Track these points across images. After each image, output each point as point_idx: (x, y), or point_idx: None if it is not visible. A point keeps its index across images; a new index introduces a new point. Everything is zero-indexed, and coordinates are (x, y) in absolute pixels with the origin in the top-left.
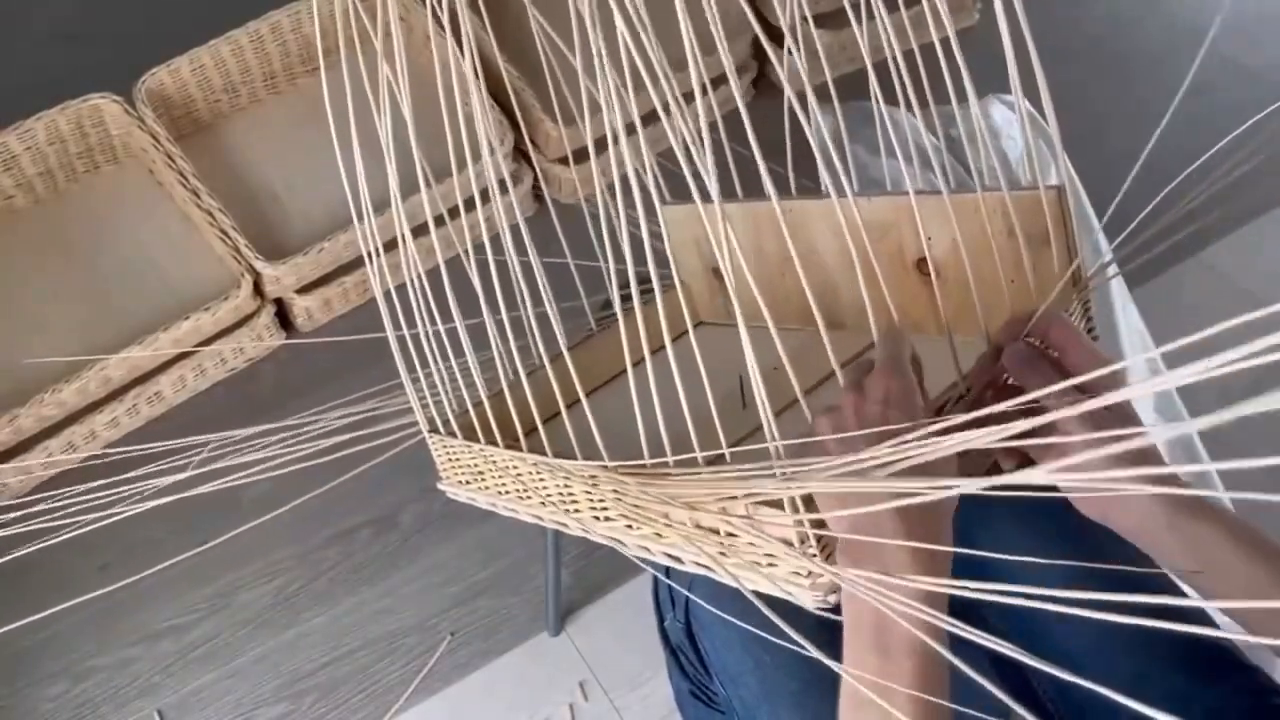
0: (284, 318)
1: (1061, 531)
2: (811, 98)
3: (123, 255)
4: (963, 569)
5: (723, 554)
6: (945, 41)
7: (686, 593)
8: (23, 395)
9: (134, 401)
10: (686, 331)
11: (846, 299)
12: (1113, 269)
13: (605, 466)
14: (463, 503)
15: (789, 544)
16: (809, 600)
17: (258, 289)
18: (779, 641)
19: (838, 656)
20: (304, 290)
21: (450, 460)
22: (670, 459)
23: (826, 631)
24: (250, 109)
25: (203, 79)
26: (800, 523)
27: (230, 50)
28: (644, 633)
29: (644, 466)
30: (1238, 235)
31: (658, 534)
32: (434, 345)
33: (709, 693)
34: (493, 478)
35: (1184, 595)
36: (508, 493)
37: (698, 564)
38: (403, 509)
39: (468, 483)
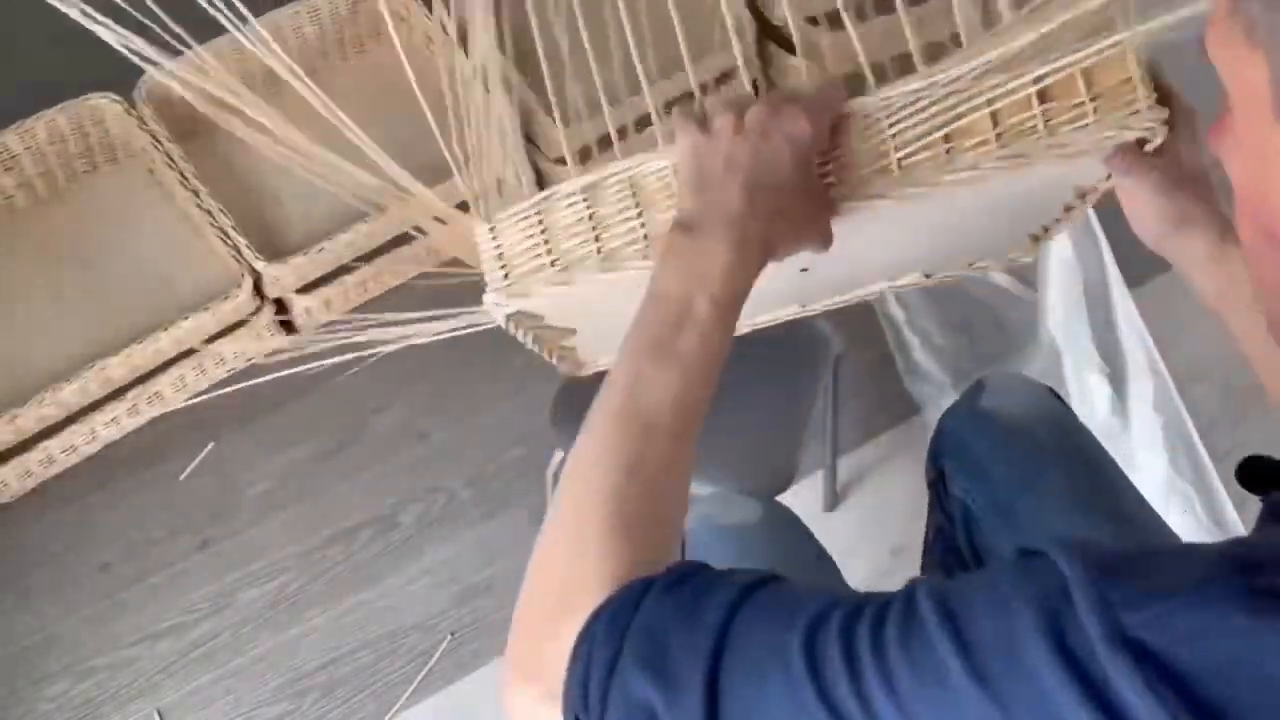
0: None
1: (1108, 515)
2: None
3: (123, 255)
4: (997, 513)
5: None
6: (945, 41)
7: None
8: (23, 395)
9: (134, 401)
10: None
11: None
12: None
13: None
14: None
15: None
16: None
17: (258, 289)
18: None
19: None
20: (304, 290)
21: (507, 250)
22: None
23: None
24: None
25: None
26: None
27: (230, 50)
28: None
29: None
30: None
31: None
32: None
33: None
34: (572, 232)
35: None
36: (597, 239)
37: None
38: (403, 509)
39: (536, 267)
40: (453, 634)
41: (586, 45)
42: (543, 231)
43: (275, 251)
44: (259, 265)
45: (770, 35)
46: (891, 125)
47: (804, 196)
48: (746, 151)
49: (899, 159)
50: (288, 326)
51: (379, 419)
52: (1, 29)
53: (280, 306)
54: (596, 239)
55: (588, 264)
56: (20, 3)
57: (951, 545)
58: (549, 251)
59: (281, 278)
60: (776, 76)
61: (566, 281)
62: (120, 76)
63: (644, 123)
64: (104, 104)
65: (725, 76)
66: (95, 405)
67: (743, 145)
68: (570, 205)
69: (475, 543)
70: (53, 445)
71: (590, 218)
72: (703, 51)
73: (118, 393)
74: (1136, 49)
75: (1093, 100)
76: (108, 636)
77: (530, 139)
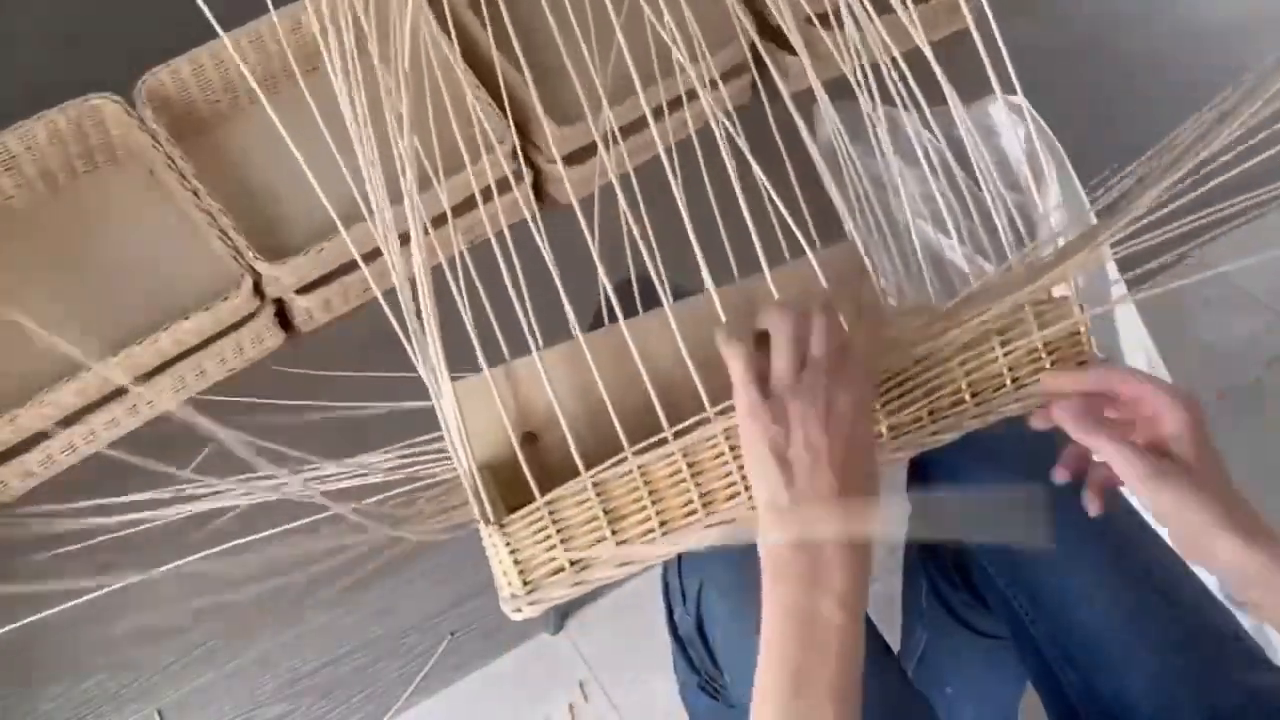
0: (284, 318)
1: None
2: (822, 96)
3: (123, 255)
4: (1002, 560)
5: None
6: (944, 41)
7: (698, 586)
8: (23, 395)
9: (134, 401)
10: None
11: (686, 391)
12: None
13: None
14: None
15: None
16: None
17: (258, 289)
18: None
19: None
20: (304, 290)
21: (521, 554)
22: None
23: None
24: (250, 109)
25: (203, 79)
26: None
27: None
28: (645, 632)
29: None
30: (1238, 235)
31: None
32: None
33: (716, 686)
34: (584, 530)
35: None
36: (615, 530)
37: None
38: None
39: (554, 570)
40: (452, 634)
41: (583, 44)
42: (559, 530)
43: (275, 251)
44: (259, 265)
45: (770, 35)
46: (884, 394)
47: (871, 447)
48: (819, 427)
49: (888, 425)
50: (288, 327)
51: (379, 418)
52: (1, 29)
53: (280, 306)
54: (613, 531)
55: (605, 559)
56: (20, 3)
57: (933, 552)
58: (567, 551)
59: (281, 278)
60: (777, 76)
61: (586, 580)
62: (120, 76)
63: (641, 124)
64: (104, 104)
65: (725, 76)
66: (95, 405)
67: (815, 424)
68: (582, 502)
69: (475, 542)
70: (53, 445)
71: (605, 512)
72: (701, 51)
73: (118, 393)
74: (1081, 305)
75: (1049, 353)
76: (108, 637)
77: (530, 139)
